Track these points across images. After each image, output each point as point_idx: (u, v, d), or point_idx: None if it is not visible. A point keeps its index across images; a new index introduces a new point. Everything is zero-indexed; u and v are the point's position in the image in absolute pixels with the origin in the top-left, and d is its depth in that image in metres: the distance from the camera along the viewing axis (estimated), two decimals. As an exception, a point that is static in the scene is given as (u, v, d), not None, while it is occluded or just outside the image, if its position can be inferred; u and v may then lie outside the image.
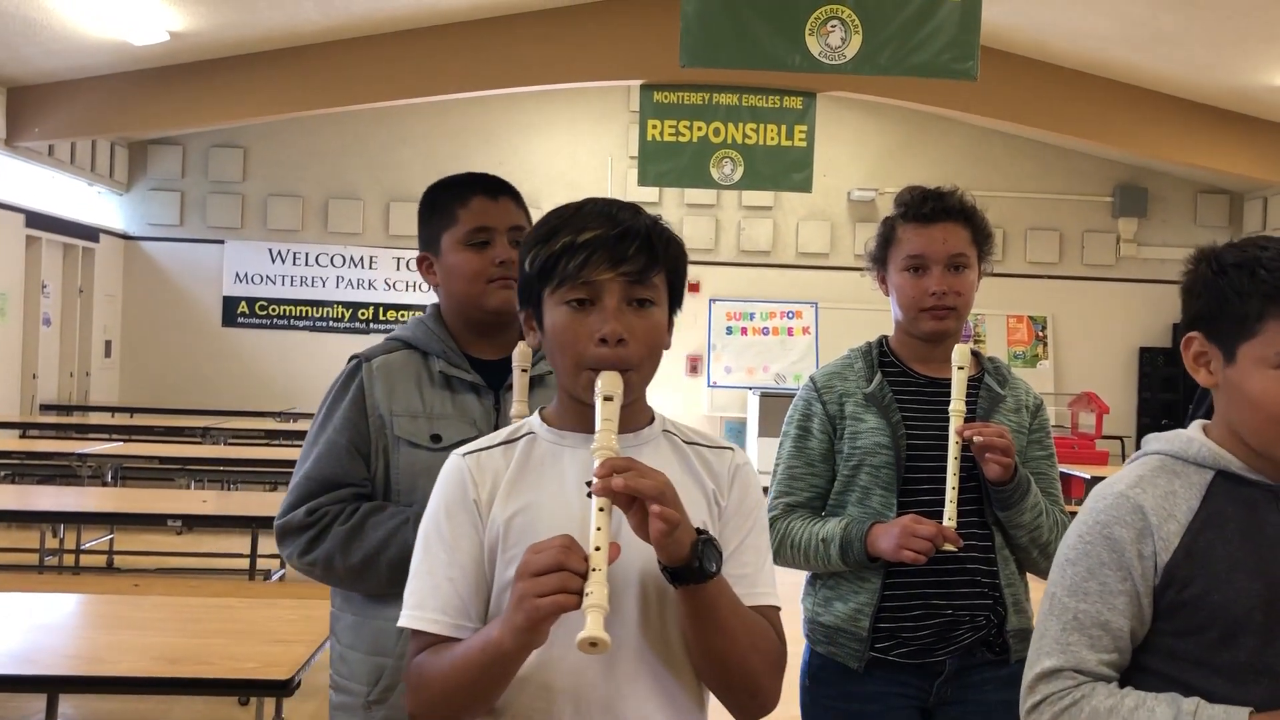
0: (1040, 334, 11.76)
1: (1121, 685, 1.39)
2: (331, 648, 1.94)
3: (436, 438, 1.82)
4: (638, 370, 1.31)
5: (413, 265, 11.19)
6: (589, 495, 1.28)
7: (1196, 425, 1.47)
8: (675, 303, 1.36)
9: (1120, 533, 1.38)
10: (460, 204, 1.90)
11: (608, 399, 1.26)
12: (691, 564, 1.20)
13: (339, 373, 1.93)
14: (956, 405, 1.99)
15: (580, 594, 1.14)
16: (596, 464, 1.21)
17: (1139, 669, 1.40)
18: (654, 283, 1.31)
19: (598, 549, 1.17)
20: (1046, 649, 1.40)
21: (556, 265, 1.29)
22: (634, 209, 1.33)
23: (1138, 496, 1.39)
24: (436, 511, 1.34)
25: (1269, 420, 1.36)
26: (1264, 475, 1.40)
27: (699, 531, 1.23)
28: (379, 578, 1.77)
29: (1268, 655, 1.34)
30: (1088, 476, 7.03)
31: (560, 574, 1.15)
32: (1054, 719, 1.37)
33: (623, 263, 1.28)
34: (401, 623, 1.32)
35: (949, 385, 2.03)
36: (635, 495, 1.18)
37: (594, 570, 1.16)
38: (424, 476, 1.39)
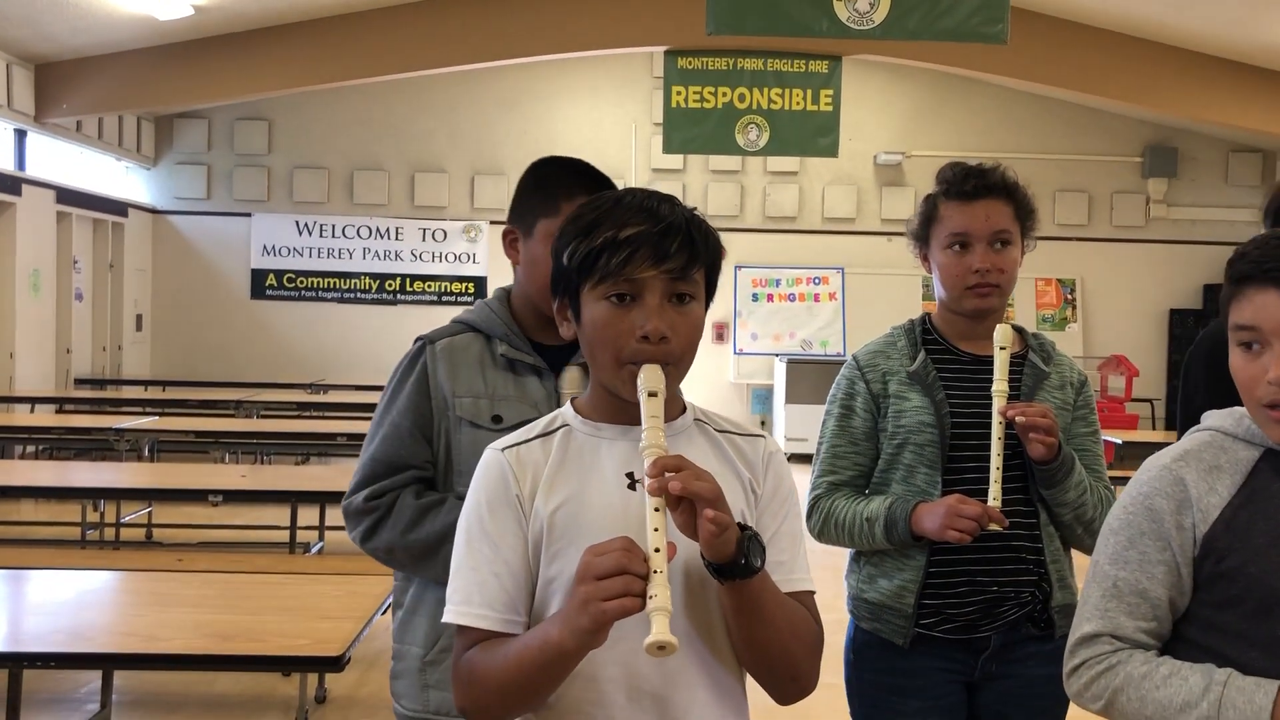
0: (1069, 296, 11.69)
1: (1162, 655, 1.41)
2: (395, 618, 1.97)
3: (498, 419, 1.85)
4: (677, 366, 1.32)
5: (439, 235, 11.44)
6: (630, 486, 1.30)
7: None
8: (710, 295, 1.37)
9: (1160, 504, 1.41)
10: (566, 196, 1.88)
11: (652, 394, 1.26)
12: (738, 560, 1.21)
13: (403, 354, 1.95)
14: (999, 386, 2.00)
15: (644, 596, 1.16)
16: (647, 463, 1.21)
17: (1179, 639, 1.43)
18: (694, 278, 1.32)
19: (657, 550, 1.17)
20: (1087, 614, 1.45)
21: (597, 261, 1.29)
22: (671, 201, 1.33)
23: (1180, 469, 1.43)
24: (478, 506, 1.34)
25: (1241, 396, 1.41)
26: None
27: (742, 528, 1.24)
28: (436, 569, 1.81)
29: None
30: (1119, 441, 7.00)
31: (624, 577, 1.15)
32: (1091, 681, 1.42)
33: (665, 260, 1.28)
34: (447, 618, 1.32)
35: (993, 362, 2.03)
36: (690, 498, 1.19)
37: (655, 572, 1.16)
38: None
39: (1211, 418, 1.50)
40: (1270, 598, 1.36)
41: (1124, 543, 1.43)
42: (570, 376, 1.84)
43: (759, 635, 1.29)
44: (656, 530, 1.18)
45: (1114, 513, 1.48)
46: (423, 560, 1.84)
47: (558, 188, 1.91)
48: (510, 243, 1.97)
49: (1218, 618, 1.40)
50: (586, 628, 1.17)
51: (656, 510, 1.19)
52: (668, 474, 1.19)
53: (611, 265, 1.28)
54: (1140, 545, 1.42)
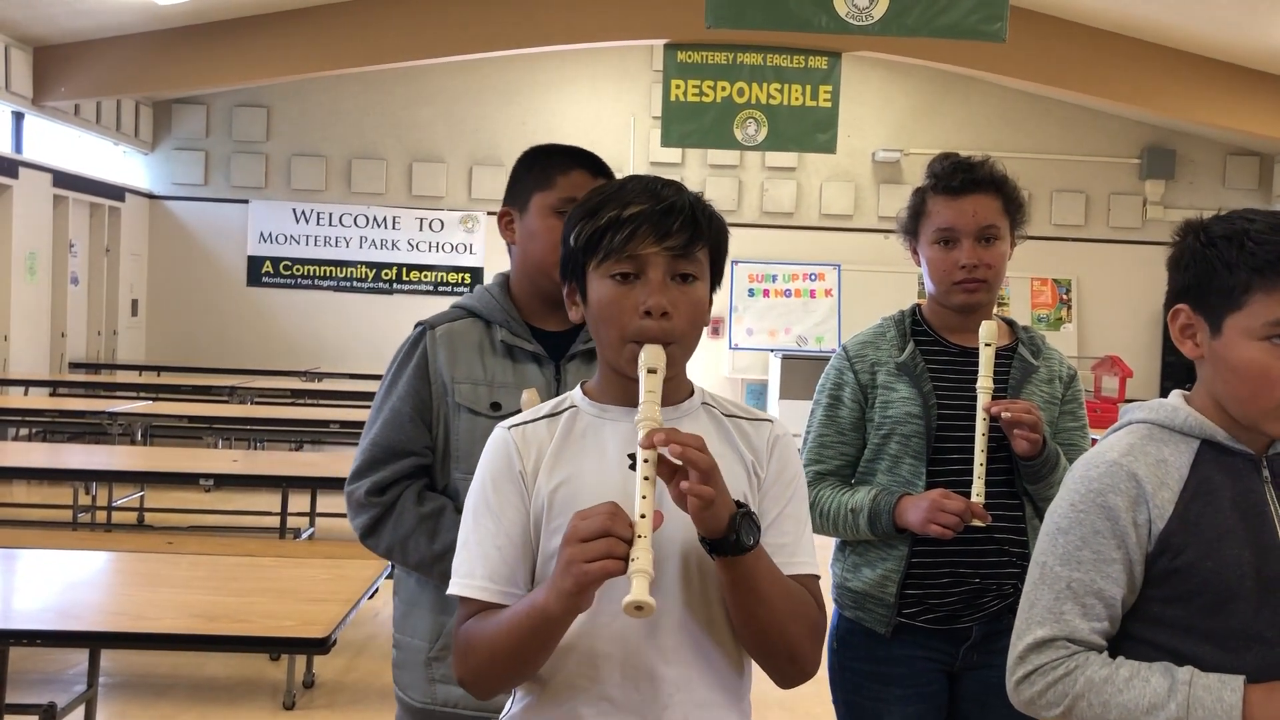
0: (1064, 297, 11.70)
1: (1111, 654, 1.40)
2: (395, 606, 1.99)
3: (496, 405, 1.85)
4: (680, 344, 1.33)
5: (436, 225, 11.44)
6: (631, 467, 1.31)
7: (1177, 395, 1.48)
8: (716, 279, 1.39)
9: (1115, 500, 1.39)
10: (561, 172, 1.91)
11: (651, 371, 1.29)
12: (729, 536, 1.23)
13: (400, 341, 1.96)
14: (984, 382, 2.00)
15: (626, 560, 1.18)
16: (641, 434, 1.24)
17: (1125, 636, 1.42)
18: (697, 258, 1.34)
19: (643, 516, 1.20)
20: (1038, 618, 1.41)
21: (602, 239, 1.32)
22: (677, 186, 1.36)
23: (1131, 464, 1.40)
24: (484, 482, 1.37)
25: (1252, 391, 1.38)
26: (1246, 445, 1.42)
27: (738, 504, 1.25)
28: (433, 578, 1.84)
29: (1258, 622, 1.36)
30: (1110, 441, 6.99)
31: (607, 540, 1.18)
32: (1047, 688, 1.39)
33: (667, 237, 1.31)
34: (451, 590, 1.35)
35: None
36: (686, 465, 1.21)
37: (639, 537, 1.19)
38: (483, 443, 1.42)
39: (1140, 410, 1.48)
40: (1225, 591, 1.36)
41: (1076, 542, 1.40)
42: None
43: (755, 613, 1.30)
44: (645, 498, 1.20)
45: (1059, 511, 1.44)
46: (418, 570, 1.87)
47: (552, 164, 1.93)
48: (506, 224, 1.97)
49: (1167, 613, 1.39)
50: (569, 589, 1.19)
51: (646, 479, 1.21)
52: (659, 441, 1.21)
53: (615, 243, 1.31)
54: (1094, 544, 1.39)
